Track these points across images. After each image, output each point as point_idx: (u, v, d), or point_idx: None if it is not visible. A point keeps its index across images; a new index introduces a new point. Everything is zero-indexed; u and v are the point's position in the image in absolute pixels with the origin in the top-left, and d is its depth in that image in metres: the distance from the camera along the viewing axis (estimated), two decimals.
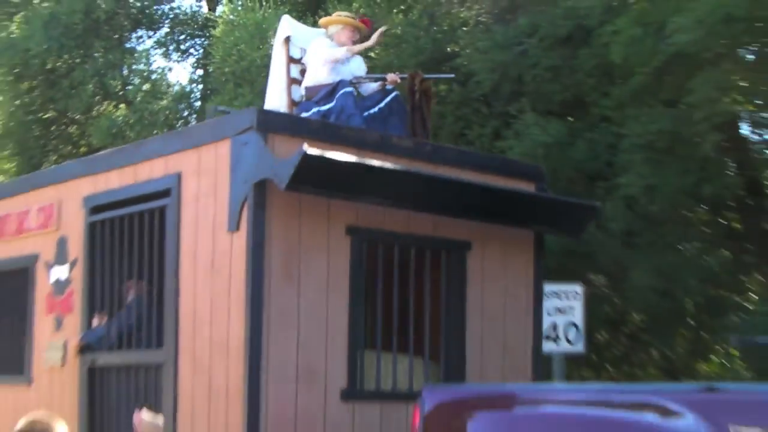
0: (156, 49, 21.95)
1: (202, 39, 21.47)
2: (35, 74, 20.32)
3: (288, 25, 10.63)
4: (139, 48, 21.70)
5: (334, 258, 8.63)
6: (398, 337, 9.03)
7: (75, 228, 10.06)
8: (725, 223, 16.29)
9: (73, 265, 10.04)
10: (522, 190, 9.66)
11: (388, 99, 9.90)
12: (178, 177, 8.94)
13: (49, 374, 10.23)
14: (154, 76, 20.65)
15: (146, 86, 20.14)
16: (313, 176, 8.08)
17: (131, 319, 9.40)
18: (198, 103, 20.69)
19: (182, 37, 21.92)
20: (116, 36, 20.84)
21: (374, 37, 10.34)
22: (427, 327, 9.22)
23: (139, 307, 9.41)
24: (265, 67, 16.47)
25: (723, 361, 16.82)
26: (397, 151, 8.98)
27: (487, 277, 9.43)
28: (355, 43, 10.21)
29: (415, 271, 9.15)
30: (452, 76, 13.63)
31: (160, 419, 4.98)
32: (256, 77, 17.14)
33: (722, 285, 15.95)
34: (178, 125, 19.31)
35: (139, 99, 19.76)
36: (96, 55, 20.48)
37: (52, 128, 21.58)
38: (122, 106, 20.43)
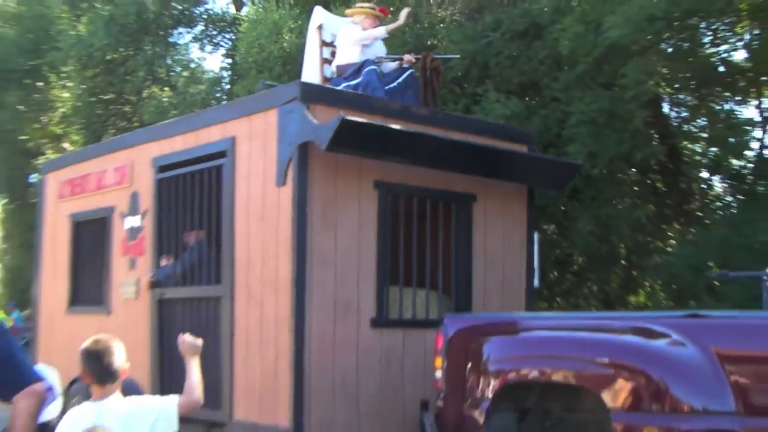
0: (193, 42, 21.34)
1: (231, 34, 20.82)
2: (97, 64, 19.77)
3: (320, 14, 10.01)
4: (180, 42, 21.16)
5: (364, 208, 7.97)
6: (417, 275, 8.35)
7: (145, 184, 9.31)
8: (651, 183, 15.83)
9: (144, 215, 9.29)
10: (517, 150, 8.95)
11: (404, 75, 9.25)
12: (233, 140, 8.24)
13: (124, 305, 9.51)
14: (192, 65, 20.22)
15: (186, 73, 19.63)
16: (348, 139, 7.46)
17: (193, 259, 8.69)
18: (228, 87, 20.03)
19: (214, 32, 21.16)
20: (162, 32, 20.19)
21: (402, 17, 9.68)
22: (440, 266, 8.58)
23: (200, 249, 8.66)
24: (281, 57, 16.07)
25: (648, 293, 16.29)
26: (415, 118, 8.32)
27: (489, 224, 8.78)
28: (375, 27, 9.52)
29: (431, 218, 8.47)
30: (458, 56, 12.94)
31: (199, 341, 4.67)
32: (273, 65, 16.43)
33: (648, 233, 15.47)
34: (212, 104, 18.65)
35: (180, 83, 19.27)
36: (146, 48, 19.89)
37: (111, 107, 20.99)
38: (167, 89, 19.77)
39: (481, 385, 6.70)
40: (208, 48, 21.38)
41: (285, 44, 16.30)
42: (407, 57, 9.52)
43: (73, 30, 20.62)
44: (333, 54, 9.66)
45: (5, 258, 24.64)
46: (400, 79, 9.13)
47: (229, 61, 20.77)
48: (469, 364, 6.91)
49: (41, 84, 23.00)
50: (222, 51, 21.22)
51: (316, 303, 7.56)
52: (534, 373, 6.53)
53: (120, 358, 4.44)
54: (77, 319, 10.18)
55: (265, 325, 7.75)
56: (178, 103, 18.45)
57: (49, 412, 4.73)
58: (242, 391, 7.94)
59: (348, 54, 9.31)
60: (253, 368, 7.84)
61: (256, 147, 7.99)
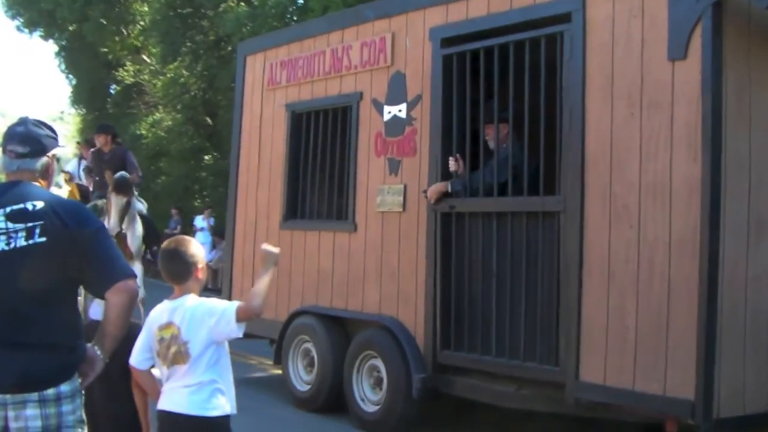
0: None
1: None
2: None
3: None
4: None
5: None
6: None
7: (416, 63, 5.98)
8: None
9: (413, 103, 5.94)
10: None
11: None
12: None
13: (380, 220, 6.18)
14: None
15: None
16: None
17: (506, 175, 5.35)
18: (301, 1, 16.55)
19: None
20: None
21: None
22: None
23: (517, 155, 5.32)
24: None
25: None
26: None
27: None
28: None
29: None
30: None
31: (277, 250, 3.36)
32: None
33: None
34: (287, 19, 15.21)
35: None
36: None
37: (188, 21, 18.17)
38: (242, 3, 16.63)
39: None
40: None
41: None
42: None
43: None
44: None
45: None
46: None
47: None
48: None
49: None
50: None
51: (730, 222, 4.51)
52: None
53: (193, 258, 3.51)
54: (299, 237, 6.84)
55: (646, 252, 4.65)
56: (257, 16, 15.07)
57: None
58: (597, 342, 4.84)
59: None
60: (619, 311, 4.74)
61: (624, 6, 4.84)
